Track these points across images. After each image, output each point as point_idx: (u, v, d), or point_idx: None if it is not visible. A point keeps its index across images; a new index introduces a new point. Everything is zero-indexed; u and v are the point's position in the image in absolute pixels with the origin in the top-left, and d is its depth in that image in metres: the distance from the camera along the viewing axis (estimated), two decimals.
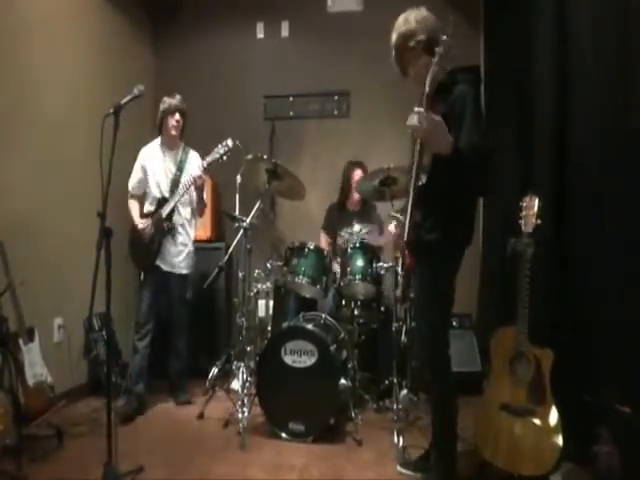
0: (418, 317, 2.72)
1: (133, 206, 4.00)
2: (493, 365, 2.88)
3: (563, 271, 3.04)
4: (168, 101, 3.94)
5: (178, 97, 3.97)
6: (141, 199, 4.05)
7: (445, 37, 2.39)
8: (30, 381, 3.17)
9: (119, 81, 4.45)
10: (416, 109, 2.30)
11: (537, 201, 2.78)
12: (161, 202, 3.91)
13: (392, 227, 4.28)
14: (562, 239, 3.07)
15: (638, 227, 2.38)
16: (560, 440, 2.57)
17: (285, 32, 5.31)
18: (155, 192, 3.95)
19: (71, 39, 4.15)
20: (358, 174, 4.42)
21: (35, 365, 3.25)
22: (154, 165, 3.98)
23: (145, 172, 3.98)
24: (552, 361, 2.68)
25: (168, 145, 4.03)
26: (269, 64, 5.27)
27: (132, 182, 4.04)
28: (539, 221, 2.76)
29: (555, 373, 2.68)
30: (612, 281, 2.60)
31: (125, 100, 2.79)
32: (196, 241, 4.65)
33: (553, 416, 2.63)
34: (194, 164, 3.96)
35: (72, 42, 4.16)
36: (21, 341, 3.20)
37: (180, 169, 3.98)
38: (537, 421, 2.65)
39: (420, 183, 2.58)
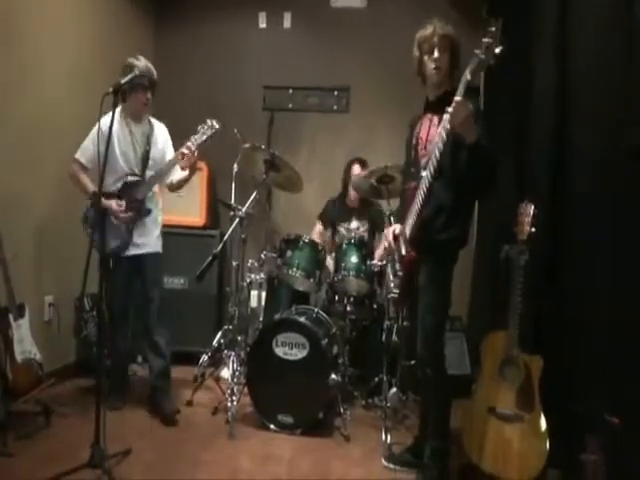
0: (425, 314, 2.73)
1: (87, 180, 3.45)
2: (483, 369, 2.91)
3: (556, 280, 3.08)
4: (145, 71, 3.35)
5: (152, 69, 3.46)
6: (91, 175, 3.46)
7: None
8: (18, 357, 3.13)
9: (119, 64, 4.36)
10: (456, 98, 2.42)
11: (533, 208, 2.81)
12: (130, 179, 3.47)
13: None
14: (556, 247, 3.10)
15: (632, 238, 2.42)
16: (547, 447, 2.61)
17: (287, 23, 5.27)
18: (124, 167, 3.46)
19: (71, 21, 4.07)
20: (356, 169, 4.42)
21: (24, 341, 3.21)
22: (120, 137, 3.46)
23: (109, 144, 3.24)
24: (542, 368, 2.72)
25: (135, 117, 3.53)
26: (270, 54, 5.23)
27: (87, 154, 3.44)
28: (534, 229, 2.79)
29: (544, 380, 2.72)
30: (605, 291, 2.64)
31: (125, 80, 2.76)
32: (190, 227, 4.70)
33: (541, 423, 2.66)
34: (162, 137, 3.63)
35: (72, 24, 4.08)
36: (11, 316, 3.16)
37: (149, 143, 3.54)
38: (524, 427, 2.69)
39: (422, 178, 2.63)
